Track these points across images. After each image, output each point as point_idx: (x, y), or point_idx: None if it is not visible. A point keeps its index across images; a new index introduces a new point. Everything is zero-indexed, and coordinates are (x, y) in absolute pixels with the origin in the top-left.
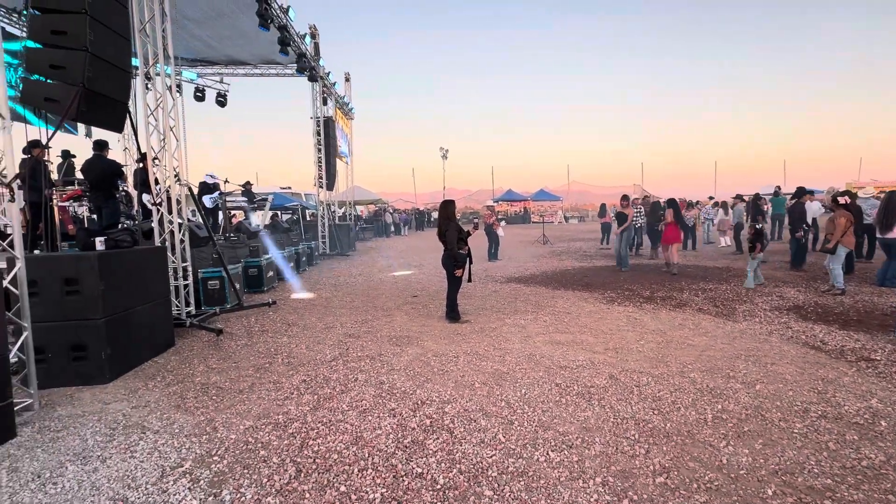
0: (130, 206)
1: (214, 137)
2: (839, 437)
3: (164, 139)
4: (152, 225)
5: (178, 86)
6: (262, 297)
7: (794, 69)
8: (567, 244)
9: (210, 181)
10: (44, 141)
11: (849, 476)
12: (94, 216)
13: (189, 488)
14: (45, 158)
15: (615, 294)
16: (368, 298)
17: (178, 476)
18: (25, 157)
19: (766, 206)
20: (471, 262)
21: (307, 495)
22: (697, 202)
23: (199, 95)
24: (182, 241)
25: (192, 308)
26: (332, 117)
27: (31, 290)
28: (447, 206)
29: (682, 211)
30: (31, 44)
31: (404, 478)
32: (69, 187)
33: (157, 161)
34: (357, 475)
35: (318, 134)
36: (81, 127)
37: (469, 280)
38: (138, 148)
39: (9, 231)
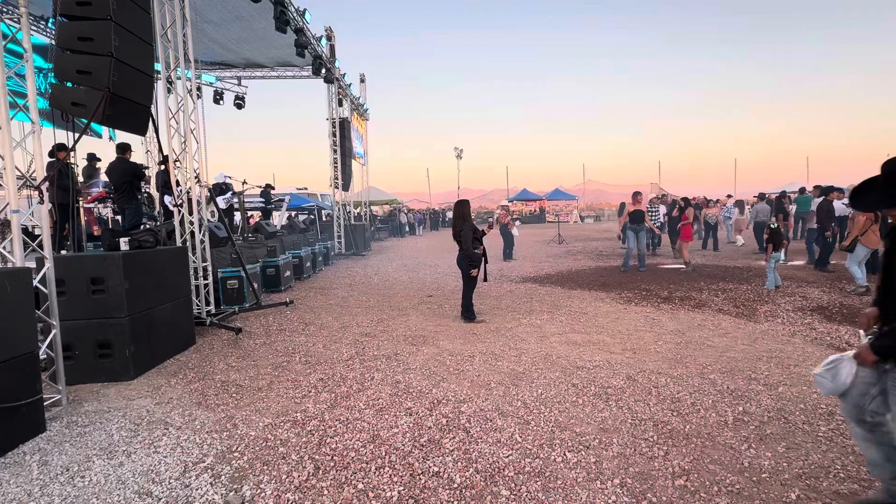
0: (153, 207)
1: (232, 139)
2: None
3: (184, 142)
4: (174, 225)
5: (199, 89)
6: (280, 296)
7: (816, 67)
8: (583, 244)
9: (221, 181)
10: (69, 144)
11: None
12: (119, 217)
13: (211, 483)
14: (71, 161)
15: (632, 294)
16: (384, 298)
17: (201, 471)
18: (51, 160)
19: (790, 206)
20: (486, 262)
21: (325, 492)
22: (717, 200)
23: (218, 98)
24: (202, 242)
25: (211, 307)
26: (348, 118)
27: (59, 290)
28: (462, 206)
29: (703, 209)
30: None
31: (421, 476)
32: (93, 189)
33: (178, 163)
34: (374, 473)
35: (334, 135)
36: (105, 130)
37: (485, 279)
38: (160, 150)
39: (37, 232)
